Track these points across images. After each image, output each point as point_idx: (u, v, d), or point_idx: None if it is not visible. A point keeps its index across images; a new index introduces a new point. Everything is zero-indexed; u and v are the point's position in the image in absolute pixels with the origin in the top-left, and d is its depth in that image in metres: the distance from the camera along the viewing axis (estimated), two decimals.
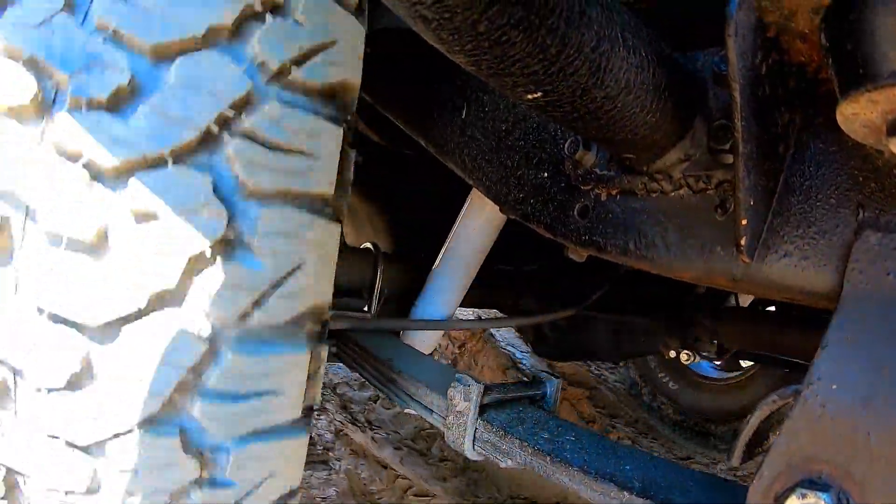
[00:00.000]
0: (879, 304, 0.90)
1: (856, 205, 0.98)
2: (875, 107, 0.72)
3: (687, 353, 3.87)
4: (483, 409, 1.34)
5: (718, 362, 4.31)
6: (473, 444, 1.33)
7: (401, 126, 1.87)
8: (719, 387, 4.33)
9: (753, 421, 1.01)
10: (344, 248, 2.06)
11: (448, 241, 2.11)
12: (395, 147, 2.35)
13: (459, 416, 1.33)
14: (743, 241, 1.02)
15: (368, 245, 2.13)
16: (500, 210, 1.55)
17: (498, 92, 1.51)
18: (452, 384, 1.35)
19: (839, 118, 0.79)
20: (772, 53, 0.94)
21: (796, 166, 1.05)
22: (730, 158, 1.07)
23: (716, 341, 3.11)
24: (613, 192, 1.28)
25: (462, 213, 2.08)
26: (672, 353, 3.95)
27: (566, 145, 1.35)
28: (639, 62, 0.95)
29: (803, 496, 0.86)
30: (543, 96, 0.92)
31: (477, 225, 2.05)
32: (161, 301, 1.05)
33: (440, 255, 2.11)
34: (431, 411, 1.43)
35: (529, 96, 0.92)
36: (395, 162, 2.45)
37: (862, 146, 0.94)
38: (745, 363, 4.49)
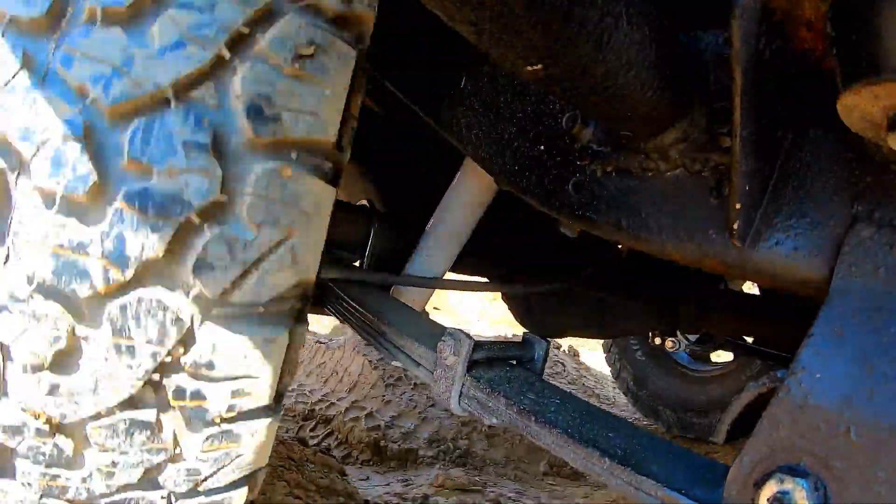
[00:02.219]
0: (868, 299, 0.90)
1: (850, 197, 0.97)
2: (877, 101, 0.71)
3: (672, 341, 3.89)
4: (471, 366, 1.33)
5: (697, 351, 4.34)
6: (460, 400, 1.32)
7: (398, 95, 1.85)
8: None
9: (741, 401, 1.02)
10: (338, 203, 2.07)
11: (440, 205, 2.10)
12: (392, 116, 2.34)
13: (448, 370, 1.33)
14: (736, 226, 1.02)
15: (364, 202, 2.13)
16: (495, 182, 1.54)
17: (497, 63, 1.49)
18: (443, 338, 1.34)
19: (840, 109, 0.78)
20: (776, 39, 0.93)
21: (793, 154, 1.04)
22: (727, 141, 1.06)
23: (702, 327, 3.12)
24: (609, 169, 1.28)
25: (455, 179, 2.08)
26: (657, 340, 3.98)
27: (564, 119, 1.34)
28: (641, 39, 0.93)
29: (781, 481, 0.87)
30: (544, 69, 0.91)
31: (469, 192, 2.05)
32: None
33: (432, 220, 2.11)
34: (419, 364, 1.42)
35: (530, 69, 0.91)
36: (389, 124, 2.44)
37: (860, 139, 0.93)
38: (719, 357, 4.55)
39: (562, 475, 2.94)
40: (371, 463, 2.77)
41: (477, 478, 2.77)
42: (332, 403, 3.17)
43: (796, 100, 1.03)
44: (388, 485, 2.52)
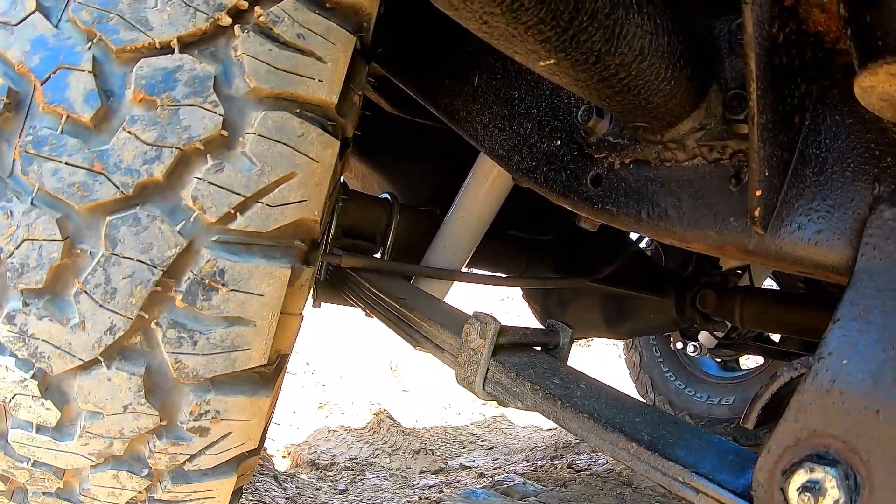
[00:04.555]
0: (892, 281, 0.89)
1: (871, 179, 0.96)
2: (894, 80, 0.70)
3: (694, 345, 3.88)
4: (496, 350, 1.33)
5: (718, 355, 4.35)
6: (484, 384, 1.32)
7: (412, 95, 1.86)
8: None
9: (773, 387, 1.01)
10: (360, 195, 2.08)
11: (457, 200, 2.11)
12: (406, 115, 2.35)
13: (473, 354, 1.32)
14: (757, 212, 1.01)
15: (385, 195, 2.15)
16: (513, 178, 1.54)
17: (510, 59, 1.50)
18: (469, 321, 1.34)
19: (857, 90, 0.77)
20: (789, 22, 0.93)
21: (812, 138, 1.03)
22: (745, 128, 1.06)
23: (727, 322, 3.11)
24: (627, 161, 1.27)
25: (471, 173, 2.09)
26: (679, 344, 3.96)
27: (579, 113, 1.33)
28: (654, 29, 0.93)
29: (811, 470, 0.86)
30: (556, 63, 0.91)
31: (485, 186, 2.06)
32: None
33: (449, 213, 2.12)
34: (443, 350, 1.43)
35: (542, 63, 0.91)
36: (403, 122, 2.45)
37: (879, 120, 0.92)
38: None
39: (431, 472, 4.10)
40: (308, 472, 4.00)
41: (370, 474, 3.93)
42: (291, 444, 4.60)
43: (813, 83, 1.02)
44: (310, 477, 3.80)
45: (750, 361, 5.04)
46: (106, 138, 1.02)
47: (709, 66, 1.10)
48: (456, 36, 1.66)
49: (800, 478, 0.86)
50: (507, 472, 3.80)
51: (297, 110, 1.13)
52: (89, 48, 1.01)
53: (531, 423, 5.29)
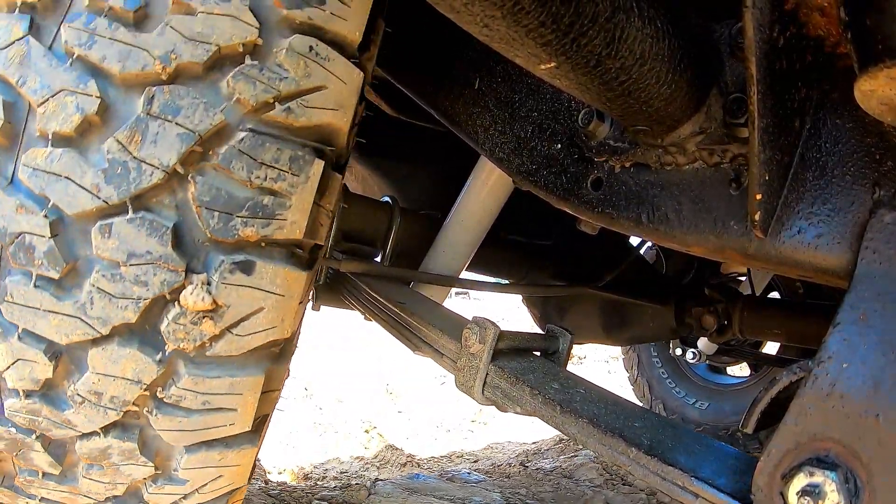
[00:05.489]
0: (893, 284, 0.89)
1: (871, 183, 0.96)
2: (894, 84, 0.70)
3: (693, 351, 3.88)
4: (496, 355, 1.32)
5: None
6: (483, 389, 1.31)
7: (413, 98, 1.86)
8: None
9: (772, 391, 1.01)
10: (360, 198, 2.09)
11: (456, 204, 2.11)
12: (407, 118, 2.34)
13: (472, 359, 1.32)
14: (757, 216, 1.01)
15: (386, 199, 2.14)
16: (513, 181, 1.53)
17: (511, 62, 1.50)
18: (468, 325, 1.33)
19: (857, 94, 0.77)
20: (790, 26, 0.93)
21: (812, 142, 1.03)
22: (745, 132, 1.06)
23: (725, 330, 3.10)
24: (627, 165, 1.27)
25: (471, 177, 2.09)
26: (678, 351, 3.95)
27: (580, 116, 1.33)
28: (654, 33, 0.93)
29: (811, 474, 0.86)
30: (557, 67, 0.91)
31: (485, 190, 2.06)
32: None
33: (448, 218, 2.11)
34: (442, 354, 1.42)
35: (543, 66, 0.91)
36: (403, 124, 2.45)
37: (879, 123, 0.92)
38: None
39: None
40: (298, 483, 4.12)
41: (359, 483, 4.00)
42: (285, 461, 4.79)
43: (813, 87, 1.02)
44: (301, 484, 3.90)
45: (738, 370, 5.05)
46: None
47: (709, 69, 1.10)
48: (457, 39, 1.66)
49: (800, 482, 0.86)
50: None
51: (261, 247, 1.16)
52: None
53: (519, 439, 5.37)
